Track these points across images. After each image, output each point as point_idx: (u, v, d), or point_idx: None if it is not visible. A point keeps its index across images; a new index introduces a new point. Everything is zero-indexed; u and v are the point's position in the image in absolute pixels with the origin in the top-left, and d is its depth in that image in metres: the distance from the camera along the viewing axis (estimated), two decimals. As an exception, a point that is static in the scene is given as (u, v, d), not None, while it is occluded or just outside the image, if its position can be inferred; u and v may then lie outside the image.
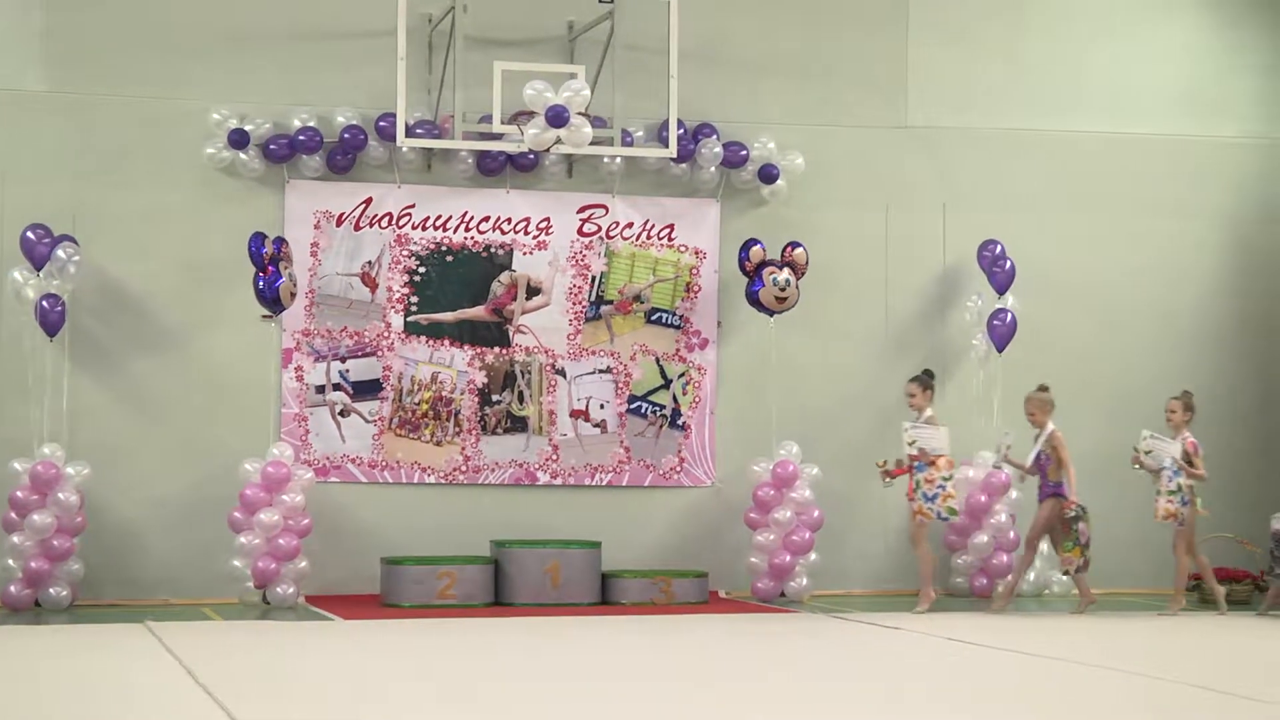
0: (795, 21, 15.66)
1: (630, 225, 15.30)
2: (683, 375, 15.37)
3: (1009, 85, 16.04)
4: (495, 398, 15.07)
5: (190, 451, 14.51)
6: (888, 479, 14.05)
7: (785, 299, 14.83)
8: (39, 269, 13.96)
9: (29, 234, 13.97)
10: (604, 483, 15.21)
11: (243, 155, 14.61)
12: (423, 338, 14.99)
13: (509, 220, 15.13)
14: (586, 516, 15.02)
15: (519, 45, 14.89)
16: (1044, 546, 15.43)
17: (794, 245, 14.90)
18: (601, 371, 15.25)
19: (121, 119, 14.53)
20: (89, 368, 14.36)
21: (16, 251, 13.97)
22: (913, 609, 13.86)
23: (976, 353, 15.57)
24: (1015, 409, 15.24)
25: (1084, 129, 16.14)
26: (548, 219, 15.16)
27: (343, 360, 14.87)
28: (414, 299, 14.97)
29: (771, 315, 14.94)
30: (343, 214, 14.88)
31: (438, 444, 14.98)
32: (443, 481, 14.98)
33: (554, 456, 15.13)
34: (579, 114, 13.74)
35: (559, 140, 13.80)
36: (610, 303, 15.28)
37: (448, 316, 15.05)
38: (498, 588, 14.36)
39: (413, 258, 14.97)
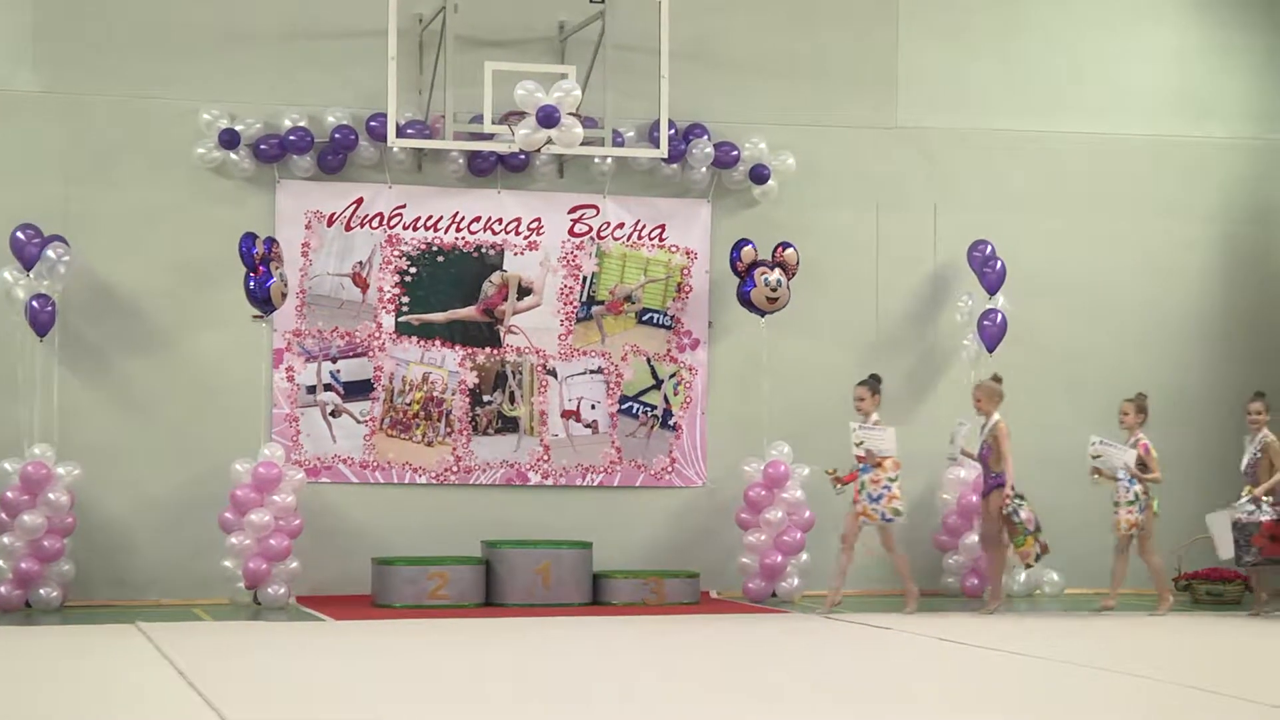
0: (786, 22, 15.66)
1: (621, 225, 15.29)
2: (674, 375, 15.37)
3: (1000, 86, 16.05)
4: (486, 398, 15.06)
5: (181, 452, 14.49)
6: (838, 485, 14.08)
7: (776, 299, 14.84)
8: (29, 269, 13.93)
9: (19, 234, 13.95)
10: (595, 483, 15.21)
11: (233, 155, 14.59)
12: (414, 338, 14.98)
13: (500, 220, 15.13)
14: (578, 517, 15.01)
15: (510, 45, 14.89)
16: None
17: (785, 245, 14.91)
18: (593, 372, 15.25)
19: (112, 119, 14.52)
20: (79, 368, 14.34)
21: (6, 251, 13.94)
22: (902, 610, 13.85)
23: (967, 353, 15.57)
24: (1005, 410, 15.24)
25: (1074, 129, 16.16)
26: (539, 219, 15.16)
27: (334, 360, 14.86)
28: (405, 299, 14.96)
29: (762, 315, 14.95)
30: (334, 214, 14.87)
31: (429, 444, 14.97)
32: (434, 482, 14.97)
33: (545, 457, 15.13)
34: (570, 114, 13.74)
35: (550, 140, 13.80)
36: (601, 303, 15.28)
37: (439, 317, 15.04)
38: (489, 588, 14.35)
39: (404, 258, 14.96)
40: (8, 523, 13.61)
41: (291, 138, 14.64)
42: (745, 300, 14.90)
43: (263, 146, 14.61)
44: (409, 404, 14.94)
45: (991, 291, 15.47)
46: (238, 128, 14.56)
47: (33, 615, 13.55)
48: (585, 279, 15.25)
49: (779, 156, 15.41)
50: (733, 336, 15.34)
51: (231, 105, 14.62)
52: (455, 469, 14.99)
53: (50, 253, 13.96)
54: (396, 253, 14.95)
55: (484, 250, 15.10)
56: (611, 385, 15.26)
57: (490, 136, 14.44)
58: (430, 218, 15.01)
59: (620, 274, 15.32)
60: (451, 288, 15.04)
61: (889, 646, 12.06)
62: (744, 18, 15.58)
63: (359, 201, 14.91)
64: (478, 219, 15.09)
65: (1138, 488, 13.90)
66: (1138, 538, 14.02)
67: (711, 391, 15.37)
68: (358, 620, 13.30)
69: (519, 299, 15.16)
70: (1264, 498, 13.80)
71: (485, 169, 15.01)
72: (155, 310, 14.54)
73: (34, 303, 13.86)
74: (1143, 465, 13.99)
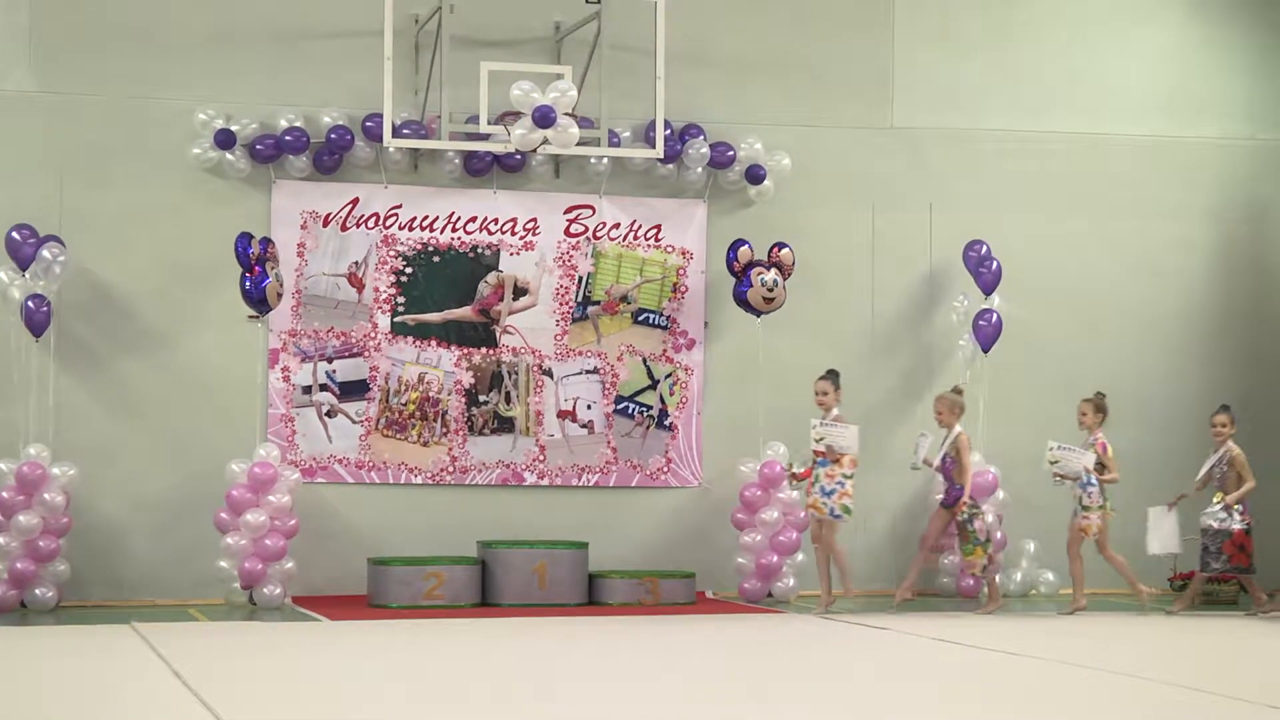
0: (782, 23, 15.67)
1: (617, 226, 15.30)
2: (669, 376, 15.37)
3: (995, 86, 16.07)
4: (482, 398, 15.06)
5: (176, 452, 14.49)
6: (795, 482, 14.10)
7: (773, 299, 14.84)
8: (24, 269, 13.93)
9: (14, 234, 13.95)
10: (591, 483, 15.21)
11: (229, 155, 14.59)
12: (409, 338, 14.98)
13: (496, 221, 15.13)
14: (573, 517, 15.02)
15: (505, 45, 14.89)
16: (1031, 546, 15.49)
17: (780, 246, 14.92)
18: (588, 372, 15.25)
19: (107, 119, 14.51)
20: (75, 368, 14.34)
21: (1, 252, 13.94)
22: (888, 608, 13.87)
23: (963, 353, 15.58)
24: (1001, 410, 15.30)
25: (1069, 130, 16.17)
26: (534, 219, 15.16)
27: (329, 361, 14.85)
28: (401, 299, 14.96)
29: (759, 316, 14.95)
30: (329, 214, 14.86)
31: (425, 444, 14.97)
32: (430, 482, 14.97)
33: (541, 457, 15.13)
34: (566, 114, 13.74)
35: (546, 141, 13.80)
36: (597, 303, 15.28)
37: (435, 317, 15.04)
38: (485, 588, 14.35)
39: (399, 258, 14.96)
40: (3, 523, 13.61)
41: (287, 138, 14.64)
42: (742, 300, 14.91)
43: (258, 147, 14.61)
44: (405, 404, 14.94)
45: (987, 292, 15.48)
46: (233, 128, 14.55)
47: (28, 616, 13.54)
48: (581, 279, 15.25)
49: (774, 157, 15.42)
50: (728, 337, 15.35)
51: (227, 105, 14.62)
52: (451, 469, 14.99)
53: (46, 253, 13.96)
54: (392, 253, 14.95)
55: (480, 250, 15.11)
56: (607, 385, 15.26)
57: (486, 137, 14.44)
58: (426, 218, 15.01)
59: (616, 274, 15.33)
60: (447, 288, 15.04)
61: (884, 646, 12.06)
62: (739, 18, 15.58)
63: (355, 202, 14.90)
64: (473, 219, 15.09)
65: (1097, 487, 13.95)
66: (1096, 539, 14.11)
67: (707, 392, 15.38)
68: (353, 620, 13.29)
69: (515, 299, 15.16)
70: (1235, 506, 13.89)
71: (481, 169, 15.02)
72: (150, 310, 14.54)
73: (29, 303, 13.85)
74: (1100, 465, 14.03)
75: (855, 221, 15.70)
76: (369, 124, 14.64)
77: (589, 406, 15.23)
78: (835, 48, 15.75)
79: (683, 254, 15.41)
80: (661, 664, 11.12)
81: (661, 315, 15.38)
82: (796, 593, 14.79)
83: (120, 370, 14.47)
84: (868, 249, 15.71)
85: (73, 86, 14.49)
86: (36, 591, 13.74)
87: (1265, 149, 16.45)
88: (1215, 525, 13.92)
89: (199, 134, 14.56)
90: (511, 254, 15.14)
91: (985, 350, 15.43)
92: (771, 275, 14.80)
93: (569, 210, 15.23)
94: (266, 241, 14.11)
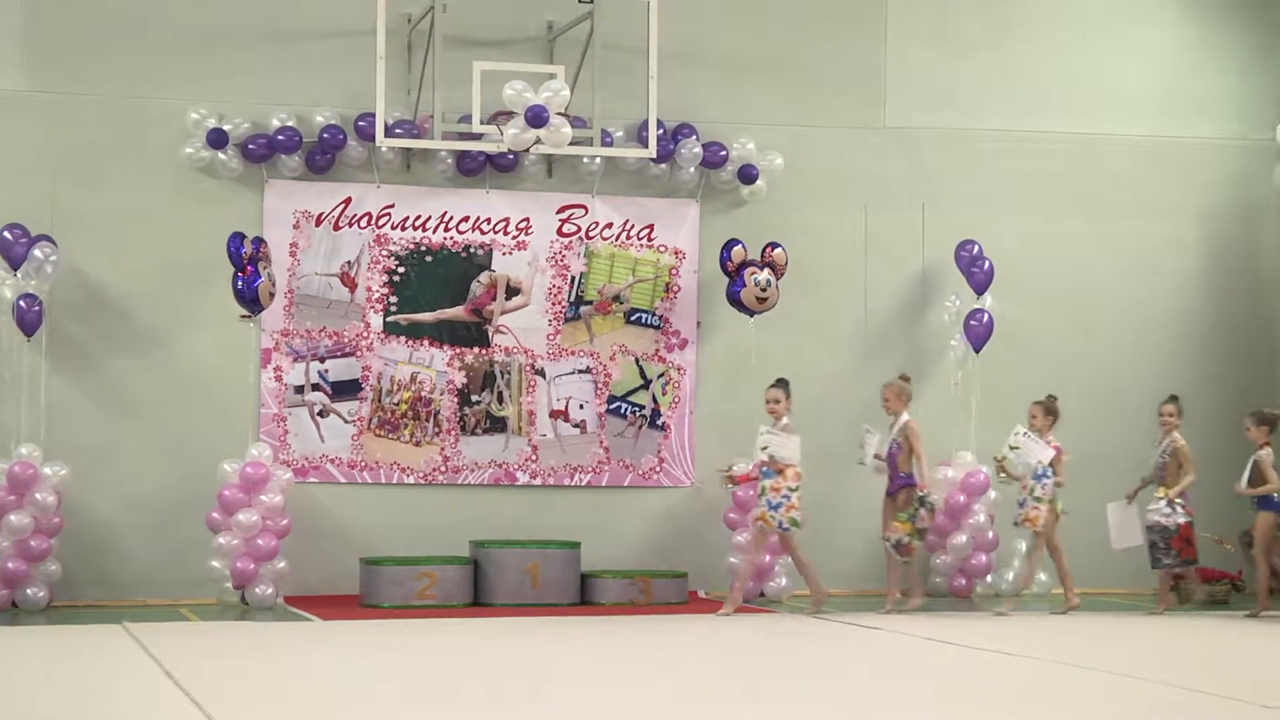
0: (775, 22, 15.67)
1: (610, 225, 15.29)
2: (662, 375, 15.37)
3: (987, 86, 16.07)
4: (475, 398, 15.06)
5: (168, 452, 14.47)
6: (730, 484, 14.11)
7: (766, 299, 14.84)
8: (16, 269, 13.91)
9: (6, 233, 13.93)
10: (583, 483, 15.21)
11: (221, 155, 14.58)
12: (402, 338, 14.97)
13: (488, 220, 15.12)
14: (566, 517, 15.01)
15: (498, 45, 14.88)
16: (1023, 546, 15.45)
17: (773, 245, 14.91)
18: (581, 372, 15.25)
19: (100, 118, 14.49)
20: (66, 368, 14.32)
21: (-6, 251, 13.94)
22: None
23: (954, 353, 15.59)
24: (993, 410, 15.29)
25: (1062, 129, 16.18)
26: (527, 219, 15.16)
27: (322, 360, 14.84)
28: (393, 299, 14.95)
29: (752, 315, 14.95)
30: (322, 214, 14.85)
31: (417, 444, 14.96)
32: (422, 482, 14.96)
33: (533, 457, 15.12)
34: (558, 114, 13.73)
35: (538, 140, 13.79)
36: (590, 303, 15.28)
37: (427, 317, 15.03)
38: (477, 588, 14.35)
39: (392, 258, 14.95)
40: (-5, 523, 13.60)
41: (280, 137, 14.62)
42: (735, 300, 14.90)
43: (251, 146, 14.60)
44: (397, 404, 14.93)
45: (979, 292, 15.49)
46: (226, 127, 14.54)
47: (19, 616, 13.52)
48: (573, 279, 15.25)
49: (767, 157, 15.42)
50: (721, 336, 15.35)
51: (219, 105, 14.60)
52: (443, 469, 14.99)
53: (38, 252, 13.94)
54: (385, 252, 14.94)
55: (472, 250, 15.10)
56: (600, 385, 15.26)
57: (479, 136, 14.44)
58: (418, 217, 15.00)
59: (609, 274, 15.32)
60: (440, 288, 15.03)
61: (876, 646, 12.06)
62: (732, 18, 15.58)
63: (347, 201, 14.89)
64: (466, 219, 15.08)
65: (1049, 482, 13.97)
66: (1036, 536, 14.14)
67: (699, 391, 15.37)
68: (345, 620, 13.29)
69: (507, 299, 15.15)
70: (1177, 500, 13.93)
71: (474, 169, 15.01)
72: (143, 310, 14.52)
73: (21, 302, 13.84)
74: (1050, 466, 14.08)
75: (847, 221, 15.70)
76: (361, 123, 14.63)
77: (581, 406, 15.22)
78: (828, 47, 15.75)
79: (675, 254, 15.41)
80: (654, 664, 11.12)
81: (654, 315, 15.38)
82: (789, 592, 14.79)
83: (112, 370, 14.46)
84: (860, 249, 15.71)
85: (65, 86, 14.47)
86: (28, 591, 13.72)
87: (1260, 149, 16.46)
88: (1163, 521, 13.99)
89: (191, 133, 14.54)
90: (504, 254, 15.13)
91: (976, 350, 15.44)
92: (765, 275, 14.80)
93: (562, 210, 15.23)
94: (259, 241, 14.09)
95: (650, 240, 15.37)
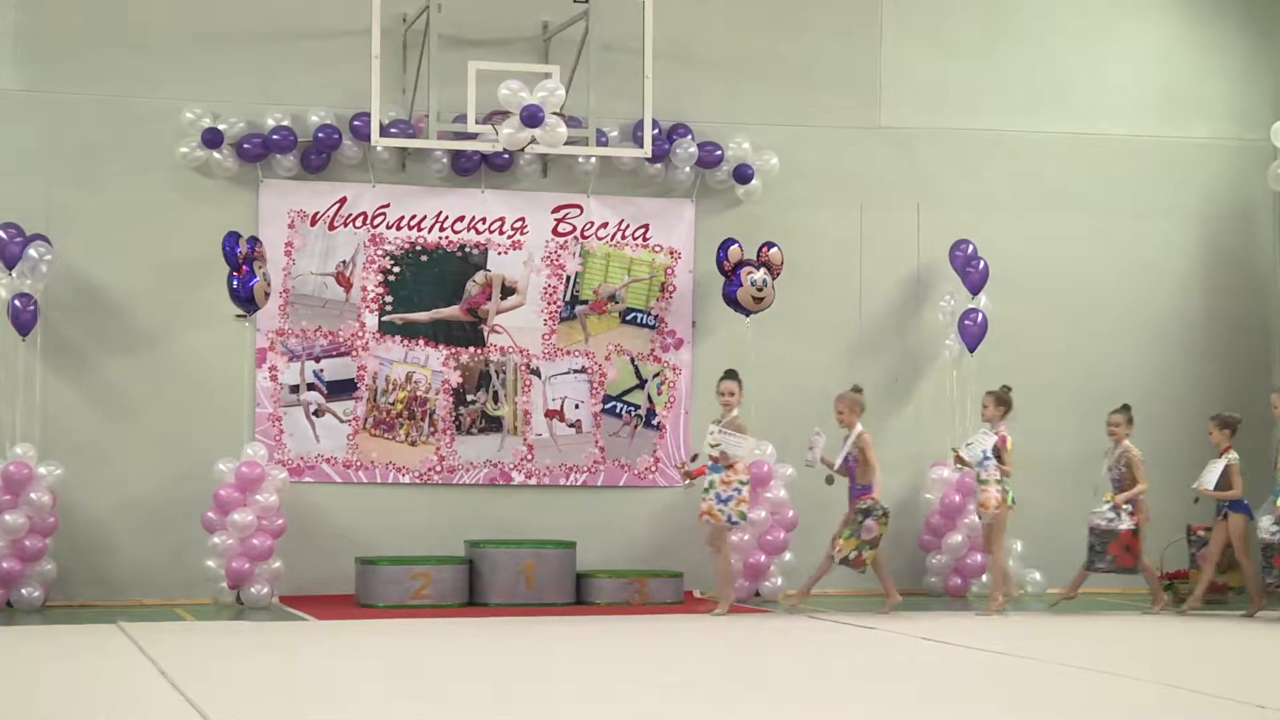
0: (770, 22, 15.67)
1: (605, 225, 15.29)
2: (657, 375, 15.37)
3: (982, 86, 16.08)
4: (470, 397, 15.06)
5: (163, 451, 14.46)
6: (687, 480, 14.11)
7: (762, 299, 14.85)
8: (11, 268, 13.90)
9: (1, 233, 13.92)
10: (579, 483, 15.20)
11: (216, 154, 14.57)
12: (397, 337, 14.96)
13: (484, 220, 15.12)
14: (561, 516, 15.01)
15: (493, 45, 14.88)
16: (1019, 546, 15.46)
17: (769, 245, 14.92)
18: (576, 371, 15.25)
19: (94, 118, 14.48)
20: (61, 367, 14.31)
21: (-11, 251, 13.92)
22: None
23: (949, 353, 15.60)
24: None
25: (1057, 129, 16.19)
26: (522, 219, 15.16)
27: (317, 360, 14.84)
28: (388, 299, 14.95)
29: (747, 315, 14.95)
30: (317, 213, 14.85)
31: (412, 444, 14.95)
32: (417, 481, 14.96)
33: (529, 456, 15.12)
34: (554, 114, 13.73)
35: (534, 140, 13.79)
36: (585, 303, 15.28)
37: (422, 316, 15.03)
38: (472, 588, 14.34)
39: (387, 257, 14.95)
40: (-10, 522, 13.59)
41: (275, 137, 14.62)
42: (731, 300, 14.91)
43: (246, 146, 14.59)
44: (392, 403, 14.93)
45: (974, 291, 15.50)
46: (220, 127, 14.53)
47: (14, 615, 13.51)
48: (569, 278, 15.25)
49: (762, 156, 15.42)
50: (716, 336, 15.35)
51: (214, 104, 14.59)
52: (439, 468, 14.98)
53: (32, 252, 13.93)
54: (380, 252, 14.94)
55: (468, 250, 15.10)
56: (595, 385, 15.26)
57: (474, 136, 14.44)
58: (414, 217, 15.00)
59: (604, 273, 15.32)
60: (435, 287, 15.03)
61: (872, 646, 12.07)
62: (727, 18, 15.58)
63: (342, 201, 14.89)
64: (461, 218, 15.08)
65: (991, 464, 13.96)
66: (986, 528, 14.13)
67: (695, 391, 15.37)
68: (341, 620, 13.28)
69: (503, 298, 15.15)
70: (1124, 506, 13.96)
71: (469, 168, 15.01)
72: (138, 310, 14.51)
73: (16, 302, 13.83)
74: (998, 456, 14.03)
75: (843, 221, 15.70)
76: (356, 123, 14.62)
77: (577, 406, 15.22)
78: (823, 47, 15.75)
79: (670, 253, 15.41)
80: (649, 663, 11.12)
81: (649, 315, 15.38)
82: (784, 592, 14.79)
83: (107, 369, 14.45)
84: (855, 248, 15.72)
85: (59, 85, 14.46)
86: (23, 591, 13.71)
87: (1254, 149, 16.46)
88: (1103, 525, 14.06)
89: (186, 133, 14.53)
90: (499, 253, 15.13)
91: (971, 350, 15.45)
92: (761, 274, 14.80)
93: (557, 209, 15.23)
94: (254, 240, 14.09)
95: (645, 240, 15.37)
